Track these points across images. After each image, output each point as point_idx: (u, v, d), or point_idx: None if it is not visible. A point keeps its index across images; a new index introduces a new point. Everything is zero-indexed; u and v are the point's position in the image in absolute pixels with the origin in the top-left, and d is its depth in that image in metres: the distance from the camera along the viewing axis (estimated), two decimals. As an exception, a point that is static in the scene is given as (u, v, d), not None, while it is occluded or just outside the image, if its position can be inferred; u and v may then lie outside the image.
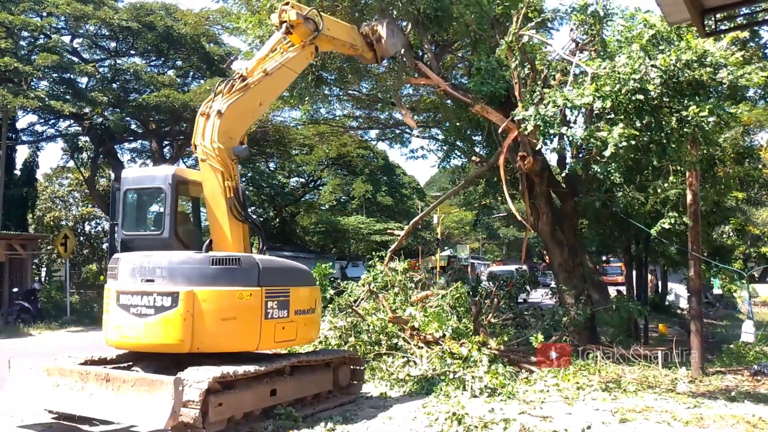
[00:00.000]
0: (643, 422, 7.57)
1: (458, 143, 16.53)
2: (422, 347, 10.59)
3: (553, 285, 18.37)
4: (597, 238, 18.25)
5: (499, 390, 8.95)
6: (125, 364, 7.61)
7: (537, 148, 12.03)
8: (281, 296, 7.51)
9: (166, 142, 29.17)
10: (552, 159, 15.01)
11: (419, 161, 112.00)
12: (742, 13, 7.01)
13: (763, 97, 14.17)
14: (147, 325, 6.92)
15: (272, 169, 38.64)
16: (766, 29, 12.65)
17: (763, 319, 19.91)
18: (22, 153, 46.62)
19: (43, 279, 30.71)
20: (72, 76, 23.46)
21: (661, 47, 9.06)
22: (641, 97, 8.43)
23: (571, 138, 9.72)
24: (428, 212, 21.29)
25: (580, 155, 12.87)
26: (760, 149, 17.63)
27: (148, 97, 23.42)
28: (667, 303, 26.53)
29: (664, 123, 8.82)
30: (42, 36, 23.37)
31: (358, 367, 9.02)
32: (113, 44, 26.81)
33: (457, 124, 15.01)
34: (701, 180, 12.19)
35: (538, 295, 25.80)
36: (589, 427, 7.23)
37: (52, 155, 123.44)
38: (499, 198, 16.00)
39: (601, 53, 10.21)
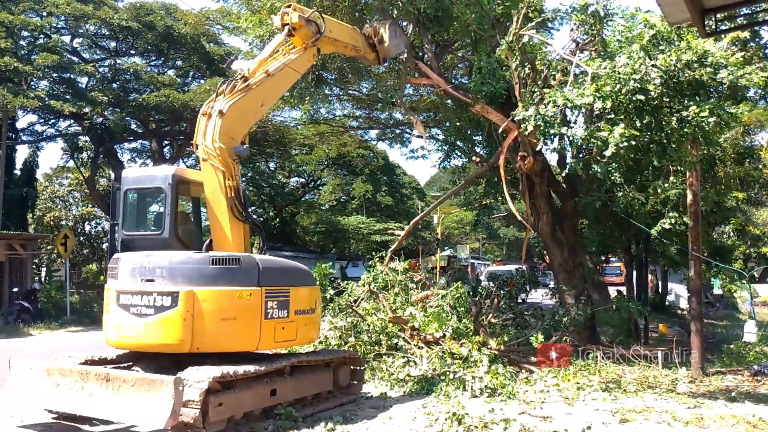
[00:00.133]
0: (643, 422, 7.57)
1: (458, 143, 16.53)
2: (422, 347, 10.59)
3: (551, 285, 18.39)
4: (597, 238, 18.25)
5: (499, 390, 8.95)
6: (125, 364, 7.60)
7: (537, 148, 12.03)
8: (281, 296, 7.51)
9: (166, 142, 29.18)
10: (552, 159, 15.05)
11: (419, 161, 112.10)
12: (742, 13, 7.02)
13: (764, 98, 14.17)
14: (147, 325, 6.91)
15: (272, 169, 38.65)
16: (766, 29, 12.66)
17: (763, 320, 19.89)
18: (22, 153, 46.64)
19: (43, 279, 30.71)
20: (72, 76, 23.47)
21: (661, 47, 9.05)
22: (641, 97, 8.42)
23: (571, 138, 9.71)
24: (428, 212, 21.29)
25: (581, 155, 12.86)
26: (761, 149, 17.62)
27: (148, 97, 23.42)
28: (667, 303, 26.53)
29: (664, 123, 8.82)
30: (42, 36, 23.37)
31: (358, 367, 9.02)
32: (113, 44, 26.83)
33: (458, 124, 15.00)
34: (701, 180, 12.18)
35: (538, 296, 25.78)
36: (589, 428, 7.23)
37: (52, 155, 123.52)
38: (500, 198, 16.00)
39: (602, 53, 10.21)
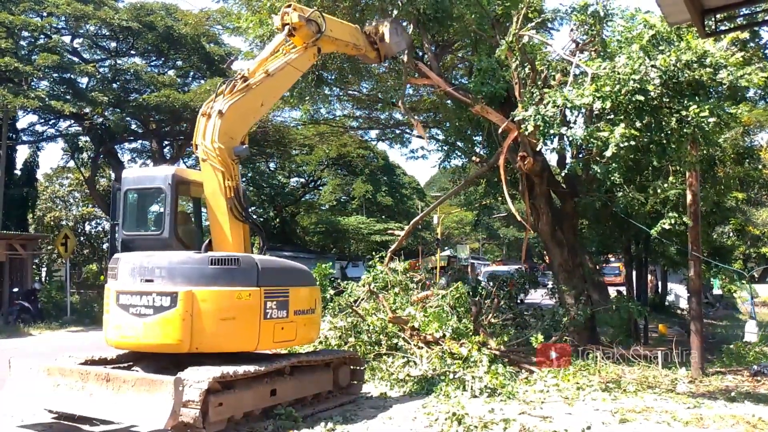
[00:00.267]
0: (643, 422, 7.57)
1: (458, 143, 16.54)
2: (422, 347, 10.59)
3: (550, 285, 18.39)
4: (597, 238, 18.23)
5: (499, 390, 8.95)
6: (125, 364, 7.61)
7: (537, 149, 12.03)
8: (280, 296, 7.51)
9: (166, 142, 29.18)
10: (552, 159, 15.04)
11: (419, 161, 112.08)
12: (742, 13, 7.02)
13: (763, 98, 14.16)
14: (146, 325, 6.92)
15: (272, 169, 38.65)
16: (766, 30, 12.65)
17: (764, 320, 19.89)
18: (22, 153, 46.75)
19: (43, 279, 30.70)
20: (72, 76, 23.46)
21: (661, 48, 9.05)
22: (641, 97, 8.42)
23: (571, 138, 9.71)
24: (428, 212, 21.29)
25: (580, 155, 12.86)
26: (760, 149, 17.62)
27: (149, 97, 23.42)
28: (667, 303, 26.52)
29: (664, 123, 8.82)
30: (42, 36, 23.38)
31: (358, 367, 9.02)
32: (113, 44, 26.81)
33: (458, 124, 15.01)
34: (701, 180, 12.19)
35: (537, 296, 25.78)
36: (589, 428, 7.23)
37: (52, 155, 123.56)
38: (500, 198, 15.99)
39: (601, 53, 10.21)
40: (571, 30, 11.28)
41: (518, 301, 19.93)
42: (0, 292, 20.11)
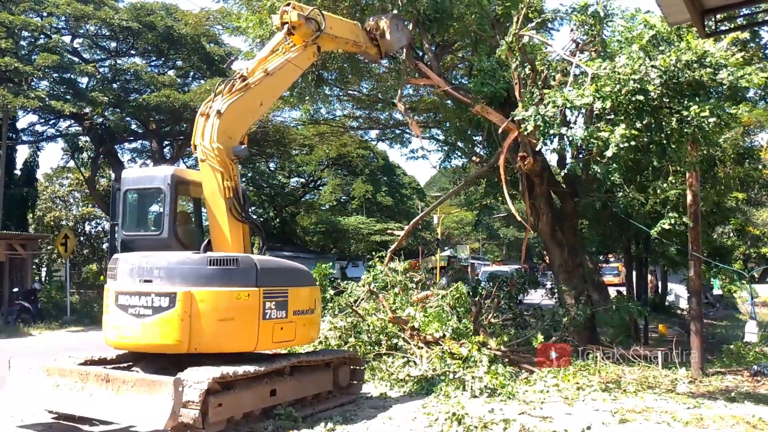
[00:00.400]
0: (643, 423, 7.57)
1: (458, 143, 16.53)
2: (422, 347, 10.58)
3: (549, 285, 18.37)
4: (597, 238, 18.21)
5: (499, 390, 8.95)
6: (125, 365, 7.61)
7: (537, 149, 12.02)
8: (279, 296, 7.50)
9: (166, 142, 29.19)
10: (552, 159, 15.03)
11: (419, 161, 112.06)
12: (742, 13, 7.01)
13: (764, 98, 14.14)
14: (145, 326, 6.92)
15: (272, 169, 38.65)
16: (766, 30, 12.64)
17: (764, 320, 19.88)
18: (22, 153, 46.82)
19: (43, 279, 30.71)
20: (72, 76, 23.47)
21: (661, 48, 9.05)
22: (641, 97, 8.42)
23: (571, 138, 9.71)
24: (428, 212, 21.28)
25: (580, 155, 12.85)
26: (761, 150, 17.58)
27: (149, 97, 23.43)
28: (667, 303, 26.50)
29: (664, 123, 8.81)
30: (42, 36, 23.38)
31: (358, 368, 9.02)
32: (113, 44, 26.82)
33: (458, 124, 14.99)
34: (701, 180, 12.18)
35: (537, 296, 25.77)
36: (589, 428, 7.23)
37: (52, 155, 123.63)
38: (500, 198, 15.98)
39: (601, 54, 10.20)
40: (571, 30, 11.27)
41: (518, 301, 19.95)
42: (0, 292, 20.11)
